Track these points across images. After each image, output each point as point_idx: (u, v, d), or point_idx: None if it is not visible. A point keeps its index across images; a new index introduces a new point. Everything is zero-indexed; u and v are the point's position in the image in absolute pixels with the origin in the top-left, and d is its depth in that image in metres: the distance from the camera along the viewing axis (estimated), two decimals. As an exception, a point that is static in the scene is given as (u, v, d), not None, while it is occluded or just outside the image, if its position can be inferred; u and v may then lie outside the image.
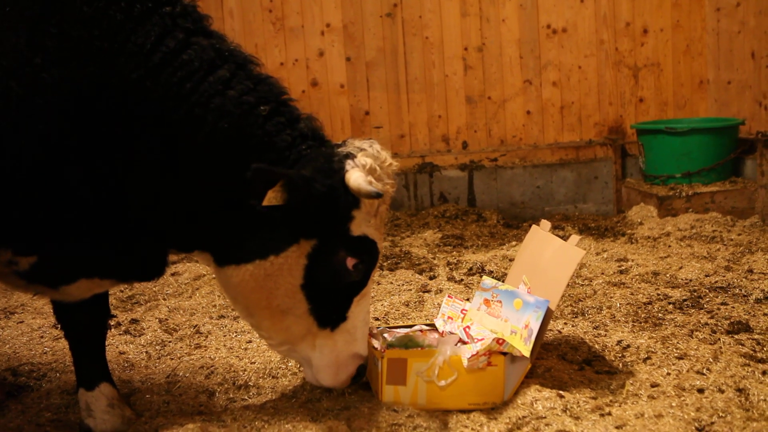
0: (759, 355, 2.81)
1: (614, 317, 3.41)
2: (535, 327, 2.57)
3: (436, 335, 2.77)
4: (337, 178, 2.21)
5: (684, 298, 3.58)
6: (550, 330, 3.22)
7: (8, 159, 2.04)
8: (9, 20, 2.02)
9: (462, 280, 4.19)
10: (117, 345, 3.38)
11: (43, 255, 2.23)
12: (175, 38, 2.13)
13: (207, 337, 3.45)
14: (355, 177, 2.18)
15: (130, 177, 2.15)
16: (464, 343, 2.64)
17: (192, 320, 3.69)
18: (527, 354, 2.52)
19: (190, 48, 2.15)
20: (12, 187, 2.08)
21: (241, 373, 2.93)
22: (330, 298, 2.38)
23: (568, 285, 2.78)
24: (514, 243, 4.95)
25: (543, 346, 2.97)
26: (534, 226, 2.97)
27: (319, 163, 2.22)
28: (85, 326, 2.55)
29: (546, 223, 2.94)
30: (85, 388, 2.55)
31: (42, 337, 3.59)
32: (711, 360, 2.73)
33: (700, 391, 2.50)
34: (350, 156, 2.25)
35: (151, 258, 2.38)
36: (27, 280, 2.28)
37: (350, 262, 2.32)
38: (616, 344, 3.02)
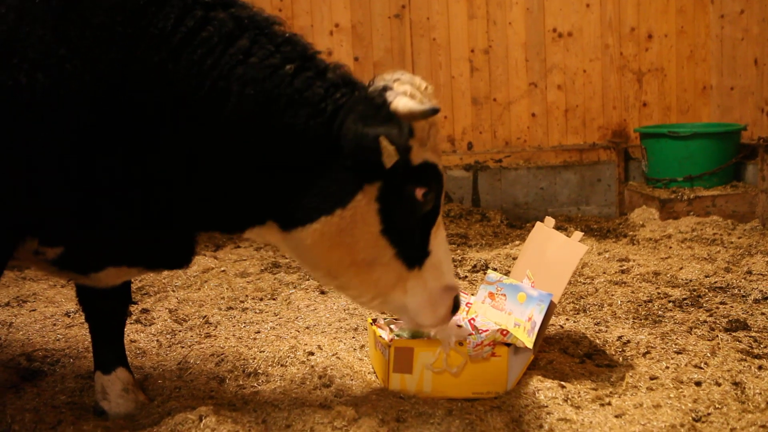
0: (755, 351, 2.88)
1: (615, 314, 3.48)
2: (539, 320, 2.64)
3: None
4: (385, 113, 2.10)
5: (684, 297, 3.65)
6: (552, 325, 3.30)
7: (33, 150, 2.04)
8: (38, 13, 2.03)
9: (466, 276, 4.26)
10: (128, 333, 3.43)
11: (69, 245, 2.24)
12: (193, 17, 2.10)
13: (216, 327, 3.52)
14: (404, 103, 2.08)
15: (158, 162, 2.14)
16: (469, 334, 2.71)
17: (201, 311, 3.76)
18: (530, 345, 2.59)
19: (209, 24, 2.12)
20: (36, 178, 2.07)
21: (251, 361, 3.00)
22: (412, 236, 2.28)
23: (570, 281, 2.86)
24: (517, 242, 5.01)
25: (545, 340, 3.04)
26: (538, 222, 3.04)
27: (361, 108, 2.13)
28: (107, 311, 2.60)
29: (550, 220, 3.01)
30: (102, 372, 2.61)
31: (55, 324, 3.66)
32: (709, 355, 2.80)
33: (698, 384, 2.57)
34: (387, 89, 2.14)
35: (179, 245, 2.37)
36: (58, 267, 2.30)
37: (419, 192, 2.23)
38: (617, 339, 3.09)
